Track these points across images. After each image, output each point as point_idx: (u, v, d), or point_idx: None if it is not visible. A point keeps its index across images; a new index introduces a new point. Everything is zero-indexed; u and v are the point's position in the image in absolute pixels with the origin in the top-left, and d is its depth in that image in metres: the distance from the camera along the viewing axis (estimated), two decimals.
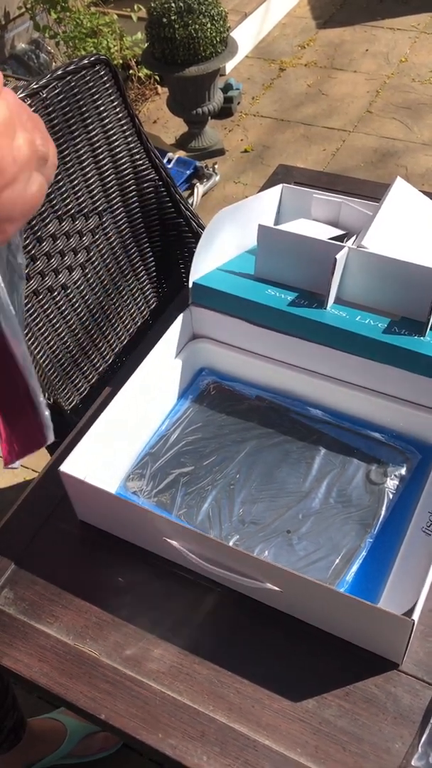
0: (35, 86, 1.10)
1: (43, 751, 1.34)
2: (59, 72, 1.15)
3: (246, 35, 3.32)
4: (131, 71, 3.08)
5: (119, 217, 1.33)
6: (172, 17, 2.37)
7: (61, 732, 1.37)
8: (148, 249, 1.41)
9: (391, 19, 3.56)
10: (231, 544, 0.85)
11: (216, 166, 2.74)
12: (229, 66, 3.29)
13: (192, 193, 2.62)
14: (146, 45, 2.58)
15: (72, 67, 1.16)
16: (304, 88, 3.19)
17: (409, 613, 0.71)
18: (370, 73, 3.23)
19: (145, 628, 0.81)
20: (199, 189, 2.64)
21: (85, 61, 1.18)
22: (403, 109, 2.99)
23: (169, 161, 2.63)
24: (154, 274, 1.45)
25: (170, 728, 0.74)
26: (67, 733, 1.37)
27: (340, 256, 0.93)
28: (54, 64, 3.06)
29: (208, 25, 2.41)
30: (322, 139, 2.90)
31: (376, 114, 2.99)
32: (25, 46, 3.00)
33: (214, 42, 2.47)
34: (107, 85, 1.23)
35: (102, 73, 1.21)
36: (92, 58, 1.19)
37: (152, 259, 1.43)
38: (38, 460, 1.94)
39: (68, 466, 0.83)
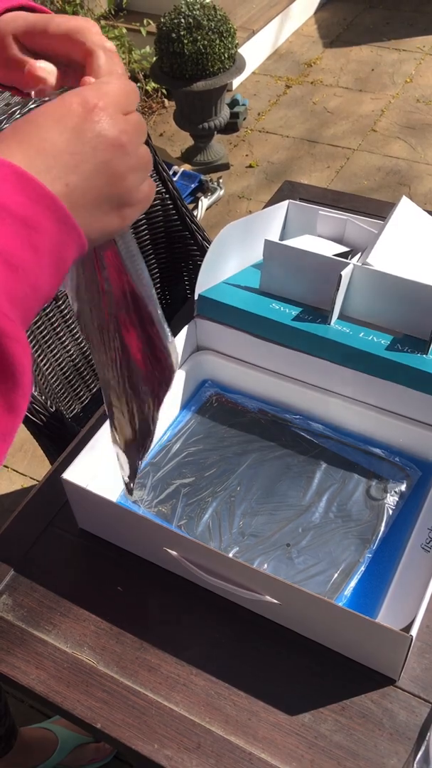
0: (46, 99, 1.11)
1: (33, 760, 1.33)
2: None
3: (253, 52, 3.36)
4: (139, 84, 3.11)
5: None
6: (182, 33, 2.40)
7: (53, 742, 1.37)
8: (153, 261, 1.42)
9: (396, 40, 3.60)
10: (230, 555, 0.85)
11: (221, 181, 2.76)
12: (236, 82, 3.32)
13: (196, 207, 2.64)
14: (155, 59, 2.61)
15: None
16: (310, 105, 3.23)
17: (407, 628, 0.71)
18: (375, 93, 3.26)
19: (143, 638, 0.81)
20: (204, 202, 2.66)
21: None
22: (407, 129, 3.02)
23: (174, 174, 2.65)
24: (158, 285, 1.46)
25: (166, 739, 0.73)
26: (59, 743, 1.36)
27: (345, 273, 0.94)
28: None
29: (217, 41, 2.44)
30: (326, 156, 2.93)
31: (381, 133, 3.02)
32: None
33: (222, 58, 2.49)
34: None
35: None
36: None
37: (157, 270, 1.44)
38: (37, 468, 1.94)
39: (70, 474, 0.84)
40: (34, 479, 1.92)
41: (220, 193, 2.73)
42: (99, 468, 0.89)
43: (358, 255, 1.07)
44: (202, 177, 2.67)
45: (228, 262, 1.06)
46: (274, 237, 1.15)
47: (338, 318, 0.99)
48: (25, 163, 0.39)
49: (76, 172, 0.41)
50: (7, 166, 0.38)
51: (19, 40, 0.51)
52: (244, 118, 3.13)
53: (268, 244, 1.00)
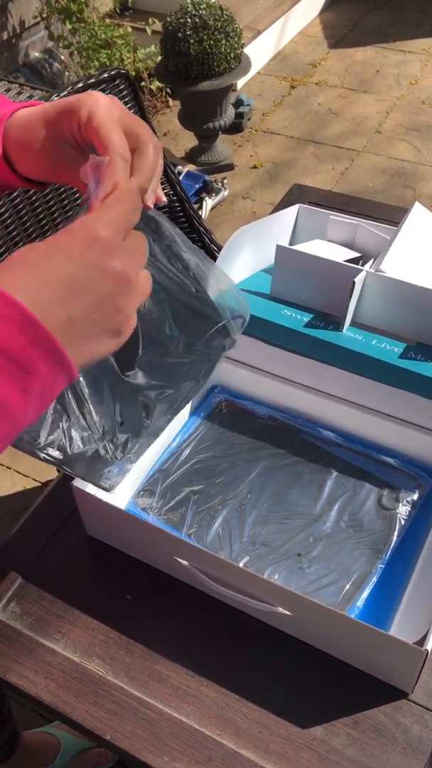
0: (55, 98, 1.11)
1: (36, 764, 1.32)
2: (80, 84, 1.15)
3: (258, 52, 3.34)
4: (143, 83, 3.10)
5: None
6: (188, 32, 2.39)
7: (55, 746, 1.36)
8: None
9: (402, 42, 3.58)
10: (241, 565, 0.84)
11: (225, 181, 2.75)
12: (241, 82, 3.31)
13: (201, 207, 2.63)
14: (160, 58, 2.60)
15: (92, 80, 1.16)
16: (315, 106, 3.21)
17: (421, 642, 0.70)
18: (380, 94, 3.25)
19: (153, 647, 0.80)
20: (208, 203, 2.65)
21: (105, 75, 1.18)
22: (412, 131, 3.01)
23: (179, 174, 2.64)
24: None
25: (176, 751, 0.73)
26: (61, 748, 1.35)
27: (359, 280, 0.93)
28: (67, 73, 3.07)
29: (223, 41, 2.43)
30: (331, 157, 2.92)
31: (386, 135, 3.01)
32: (39, 55, 3.02)
33: (228, 58, 2.48)
34: (126, 99, 1.23)
35: (122, 86, 1.21)
36: (112, 72, 1.19)
37: None
38: (39, 470, 1.93)
39: (80, 481, 0.83)
40: (36, 480, 1.91)
41: (224, 193, 2.72)
42: None
43: (371, 261, 1.06)
44: (207, 177, 2.66)
45: (239, 267, 1.05)
46: (285, 241, 1.14)
47: (350, 325, 0.98)
48: (32, 295, 0.39)
49: (80, 304, 0.41)
50: (13, 305, 0.38)
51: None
52: (249, 119, 3.12)
53: (280, 249, 0.99)
